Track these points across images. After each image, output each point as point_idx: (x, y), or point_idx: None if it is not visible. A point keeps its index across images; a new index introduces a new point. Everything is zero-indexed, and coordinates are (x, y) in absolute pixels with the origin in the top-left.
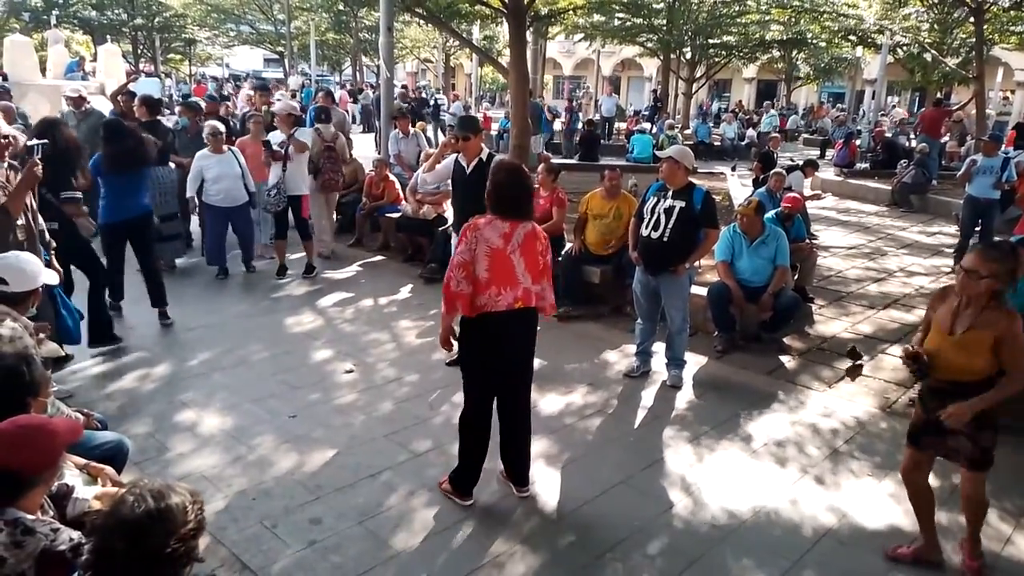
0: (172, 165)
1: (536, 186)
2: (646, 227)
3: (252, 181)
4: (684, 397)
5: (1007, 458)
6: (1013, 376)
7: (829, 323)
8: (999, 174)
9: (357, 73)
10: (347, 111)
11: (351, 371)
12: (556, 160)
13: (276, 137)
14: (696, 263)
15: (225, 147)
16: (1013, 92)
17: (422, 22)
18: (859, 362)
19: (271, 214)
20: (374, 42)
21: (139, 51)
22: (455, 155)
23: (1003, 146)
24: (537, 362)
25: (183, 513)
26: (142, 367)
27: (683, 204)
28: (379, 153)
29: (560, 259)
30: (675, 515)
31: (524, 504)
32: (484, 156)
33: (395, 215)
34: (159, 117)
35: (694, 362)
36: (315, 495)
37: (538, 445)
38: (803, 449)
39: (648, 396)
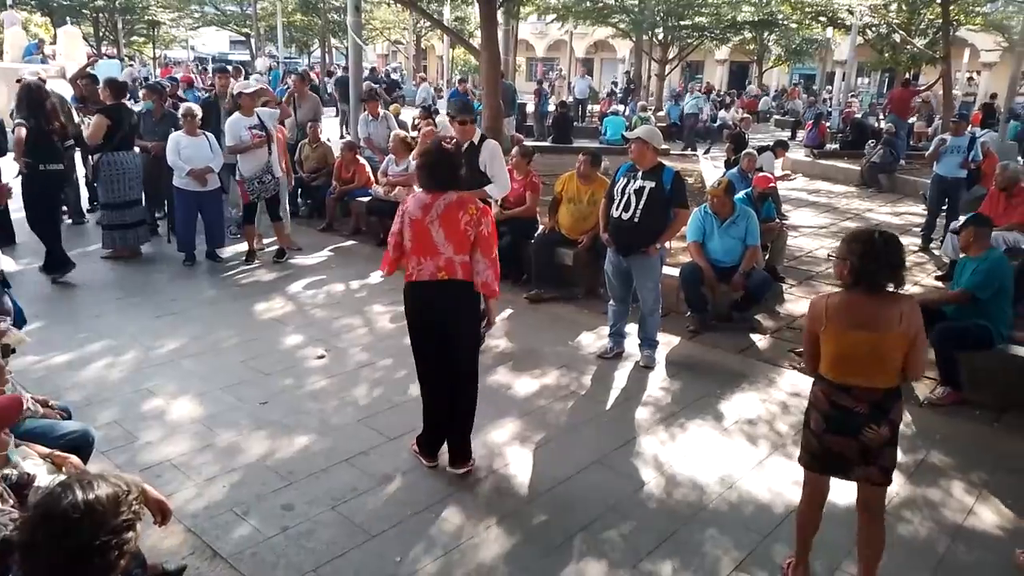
0: (136, 150)
1: (509, 168)
2: (616, 208)
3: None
4: (657, 377)
5: (971, 432)
6: None
7: (799, 302)
8: (966, 153)
9: (326, 55)
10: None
11: (323, 356)
12: (529, 143)
13: (242, 122)
14: (667, 243)
15: (199, 131)
16: (979, 73)
17: (392, 2)
18: None
19: (265, 200)
20: (343, 23)
21: (100, 33)
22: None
23: (970, 126)
24: (511, 344)
25: (114, 505)
26: (108, 355)
27: (653, 185)
28: (345, 136)
29: (533, 242)
30: (648, 493)
31: (498, 485)
32: (476, 139)
33: (366, 199)
34: (123, 101)
35: (667, 342)
36: (287, 481)
37: (512, 427)
38: (773, 426)
39: (621, 377)
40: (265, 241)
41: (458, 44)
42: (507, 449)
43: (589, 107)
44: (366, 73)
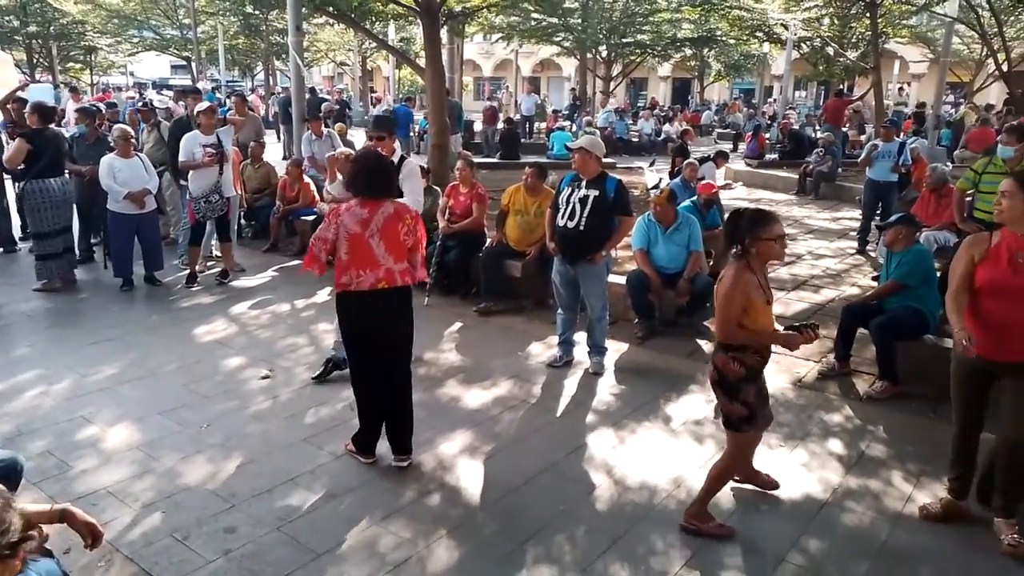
0: (68, 175)
1: (455, 182)
2: (562, 217)
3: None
4: (606, 383)
5: (909, 423)
6: None
7: None
8: (896, 158)
9: (269, 77)
10: (260, 115)
11: (268, 377)
12: (478, 160)
13: (197, 139)
14: (613, 251)
15: (134, 152)
16: (909, 84)
17: (336, 24)
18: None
19: (213, 220)
20: (286, 45)
21: (35, 60)
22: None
23: (900, 132)
24: (461, 358)
25: None
26: (40, 384)
27: (597, 193)
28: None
29: (481, 255)
30: (598, 497)
31: (448, 497)
32: (396, 158)
33: (310, 217)
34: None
35: (615, 349)
36: (229, 504)
37: (462, 439)
38: (719, 426)
39: (571, 384)
40: (208, 264)
41: (404, 64)
42: (457, 461)
43: (536, 124)
44: (308, 95)
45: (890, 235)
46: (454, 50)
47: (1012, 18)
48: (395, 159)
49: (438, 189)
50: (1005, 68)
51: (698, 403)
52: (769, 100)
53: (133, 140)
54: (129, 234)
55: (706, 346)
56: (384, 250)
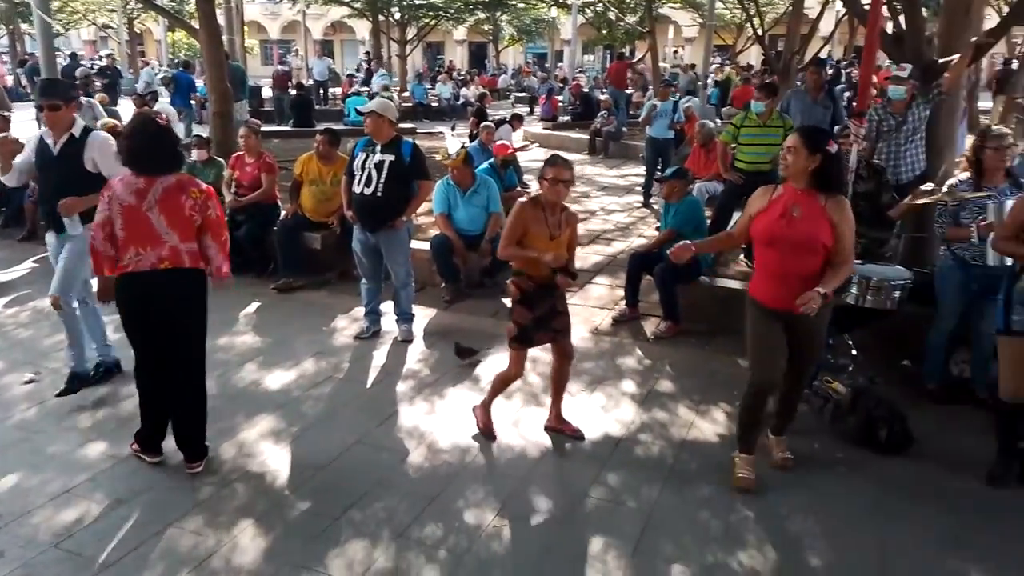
0: None
1: (240, 152)
2: (358, 184)
3: None
4: (416, 350)
5: (690, 357)
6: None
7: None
8: (672, 116)
9: (16, 43)
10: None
11: (32, 380)
12: (269, 128)
13: None
14: (413, 216)
15: None
16: (683, 47)
17: None
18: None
19: None
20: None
21: None
22: (40, 133)
23: (678, 93)
24: (259, 339)
25: None
26: None
27: (392, 158)
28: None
29: (276, 228)
30: (411, 463)
31: (252, 486)
32: (77, 131)
33: None
34: None
35: (424, 315)
36: None
37: (265, 423)
38: (526, 380)
39: (380, 355)
40: None
41: (176, 26)
42: (260, 447)
43: (331, 89)
44: (67, 61)
45: (666, 188)
46: (233, 10)
47: None
48: (76, 131)
49: (222, 161)
50: (761, 32)
51: (505, 361)
52: (560, 64)
53: None
54: None
55: (511, 304)
56: (166, 224)
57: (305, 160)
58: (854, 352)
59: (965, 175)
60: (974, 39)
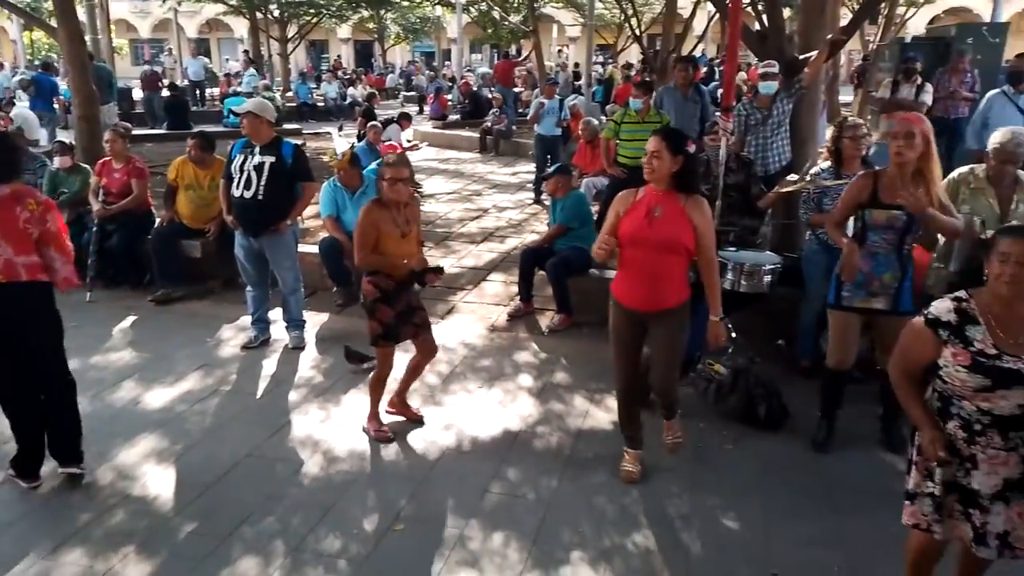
0: None
1: (107, 158)
2: (237, 187)
3: None
4: (308, 357)
5: (584, 348)
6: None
7: (438, 261)
8: (559, 113)
9: None
10: None
11: None
12: (141, 131)
13: None
14: (299, 219)
15: None
16: (567, 46)
17: None
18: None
19: None
20: None
21: None
22: None
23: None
24: (136, 355)
25: None
26: None
27: (273, 159)
28: None
29: (150, 237)
30: (306, 473)
31: (133, 510)
32: None
33: None
34: None
35: (316, 321)
36: None
37: (146, 443)
38: (424, 379)
39: (270, 364)
40: None
41: (32, 24)
42: (142, 468)
43: (209, 90)
44: None
45: (551, 185)
46: (96, 7)
47: None
48: None
49: (87, 167)
50: (639, 31)
51: (401, 363)
52: (447, 63)
53: None
54: None
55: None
56: None
57: (179, 164)
58: (733, 335)
59: (826, 164)
60: (829, 36)
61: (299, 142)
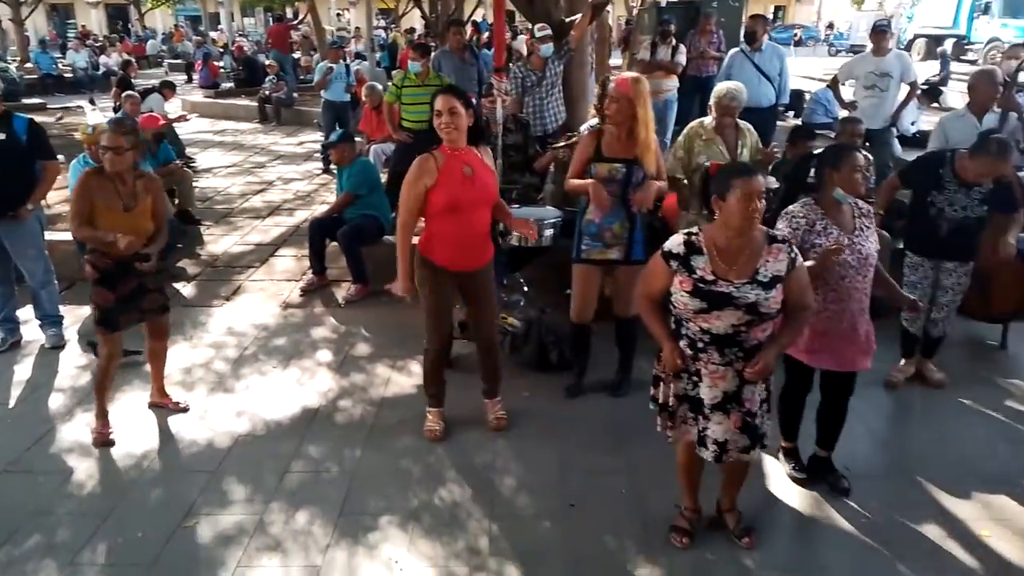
0: None
1: None
2: None
3: None
4: (70, 356)
5: (384, 316)
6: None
7: (220, 240)
8: (346, 78)
9: None
10: None
11: None
12: None
13: None
14: (43, 203)
15: None
16: (348, 10)
17: None
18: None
19: None
20: None
21: None
22: None
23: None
24: None
25: None
26: None
27: (3, 137)
28: None
29: None
30: (76, 482)
31: None
32: None
33: None
34: None
35: (76, 315)
36: None
37: None
38: (211, 367)
39: (24, 368)
40: None
41: None
42: None
43: None
44: None
45: (335, 153)
46: None
47: None
48: None
49: None
50: None
51: (184, 351)
52: (219, 27)
53: None
54: None
55: (185, 289)
56: None
57: None
58: (525, 288)
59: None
60: (591, 0)
61: (50, 119)
